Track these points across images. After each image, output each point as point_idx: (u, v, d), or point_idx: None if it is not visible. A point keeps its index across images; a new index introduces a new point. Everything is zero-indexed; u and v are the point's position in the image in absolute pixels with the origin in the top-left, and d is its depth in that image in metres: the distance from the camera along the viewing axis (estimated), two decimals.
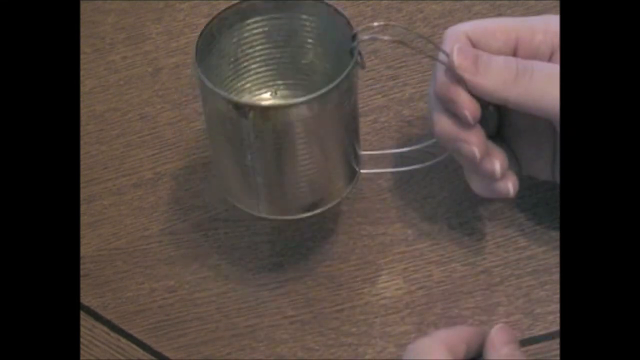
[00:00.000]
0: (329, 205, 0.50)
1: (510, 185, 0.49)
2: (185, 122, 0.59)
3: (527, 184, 0.54)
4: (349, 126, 0.49)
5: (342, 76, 0.45)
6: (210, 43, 0.48)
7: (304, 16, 0.49)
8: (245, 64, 0.51)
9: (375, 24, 0.49)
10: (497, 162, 0.48)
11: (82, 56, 0.61)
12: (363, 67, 0.48)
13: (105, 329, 0.54)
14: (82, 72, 0.60)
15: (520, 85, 0.44)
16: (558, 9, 0.55)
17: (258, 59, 0.51)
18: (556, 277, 0.53)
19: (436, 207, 0.55)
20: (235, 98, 0.47)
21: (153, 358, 0.53)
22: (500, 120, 0.50)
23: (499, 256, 0.54)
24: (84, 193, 0.57)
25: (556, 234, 0.53)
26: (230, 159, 0.49)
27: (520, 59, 0.46)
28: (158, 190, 0.57)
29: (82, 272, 0.55)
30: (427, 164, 0.52)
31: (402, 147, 0.56)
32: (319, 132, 0.47)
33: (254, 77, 0.52)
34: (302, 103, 0.45)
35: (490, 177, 0.48)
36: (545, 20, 0.47)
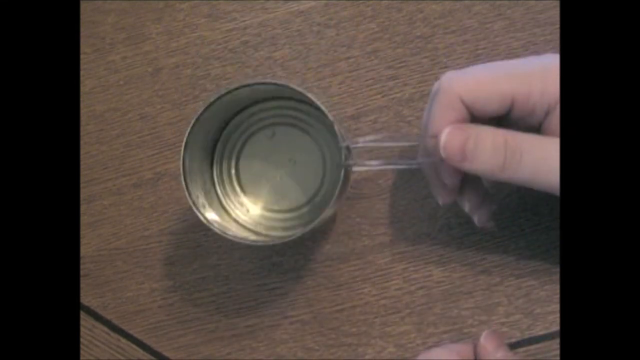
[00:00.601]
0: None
1: (475, 218, 0.50)
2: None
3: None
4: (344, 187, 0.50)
5: (332, 201, 0.46)
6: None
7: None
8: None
9: (360, 144, 0.48)
10: (467, 204, 0.50)
11: (82, 56, 0.61)
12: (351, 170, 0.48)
13: (105, 329, 0.54)
14: (82, 72, 0.60)
15: (509, 170, 0.43)
16: (558, 9, 0.55)
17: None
18: (556, 277, 0.53)
19: (436, 207, 0.55)
20: (248, 242, 0.49)
21: (153, 358, 0.53)
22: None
23: (499, 256, 0.54)
24: (84, 193, 0.57)
25: (556, 234, 0.53)
26: None
27: (510, 137, 0.44)
28: (158, 190, 0.57)
29: (82, 272, 0.55)
30: (416, 161, 0.52)
31: (395, 154, 0.56)
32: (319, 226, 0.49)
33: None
34: (301, 233, 0.46)
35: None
36: (543, 73, 0.44)
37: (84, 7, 0.62)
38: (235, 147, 0.53)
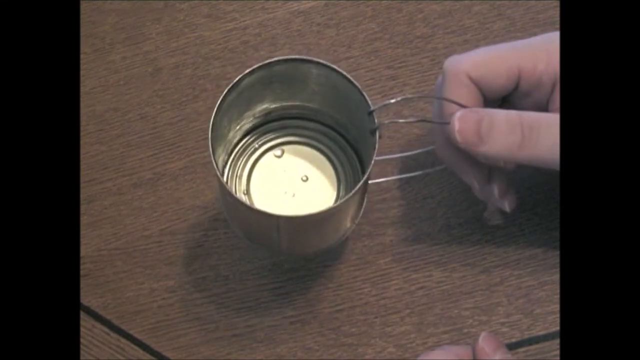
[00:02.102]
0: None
1: (506, 204, 0.49)
2: (185, 122, 0.59)
3: (527, 184, 0.54)
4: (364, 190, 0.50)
5: (362, 181, 0.46)
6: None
7: (314, 70, 0.49)
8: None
9: (392, 100, 0.48)
10: (496, 188, 0.48)
11: (82, 56, 0.61)
12: (381, 136, 0.47)
13: (105, 329, 0.54)
14: (82, 72, 0.60)
15: (527, 148, 0.42)
16: (558, 9, 0.55)
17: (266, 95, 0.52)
18: (556, 277, 0.53)
19: (436, 207, 0.55)
20: (263, 209, 0.48)
21: (153, 358, 0.53)
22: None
23: (499, 256, 0.54)
24: (84, 193, 0.57)
25: (556, 234, 0.53)
26: (253, 229, 0.51)
27: (525, 115, 0.43)
28: (158, 190, 0.57)
29: (82, 272, 0.55)
30: (429, 170, 0.52)
31: (403, 148, 0.56)
32: (341, 213, 0.48)
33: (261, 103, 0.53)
34: (325, 211, 0.46)
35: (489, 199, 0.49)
36: (547, 46, 0.45)
37: (84, 7, 0.62)
38: (245, 168, 0.53)
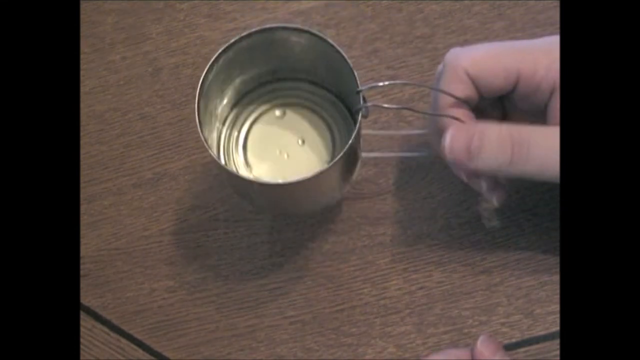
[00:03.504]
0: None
1: (494, 199, 0.49)
2: (185, 122, 0.59)
3: (527, 184, 0.54)
4: (354, 156, 0.50)
5: (346, 148, 0.46)
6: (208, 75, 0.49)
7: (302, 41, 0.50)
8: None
9: (381, 83, 0.50)
10: (484, 182, 0.48)
11: (82, 56, 0.61)
12: (366, 116, 0.48)
13: (105, 329, 0.54)
14: (82, 72, 0.60)
15: (517, 164, 0.43)
16: (558, 9, 0.55)
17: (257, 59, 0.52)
18: (556, 277, 0.53)
19: (436, 207, 0.55)
20: (239, 174, 0.50)
21: (153, 358, 0.53)
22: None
23: (499, 256, 0.54)
24: (84, 193, 0.57)
25: (556, 234, 0.53)
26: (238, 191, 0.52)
27: (515, 131, 0.44)
28: (158, 190, 0.57)
29: (82, 272, 0.55)
30: (422, 154, 0.53)
31: (402, 145, 0.56)
32: (331, 179, 0.49)
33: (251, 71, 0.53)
34: (311, 177, 0.46)
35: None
36: (549, 50, 0.45)
37: (84, 7, 0.62)
38: (247, 119, 0.53)
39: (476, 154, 0.43)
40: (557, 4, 0.56)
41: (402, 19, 0.59)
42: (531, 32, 0.56)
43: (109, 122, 0.59)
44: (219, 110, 0.52)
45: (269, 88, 0.54)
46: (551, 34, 0.55)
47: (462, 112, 0.46)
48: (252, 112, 0.53)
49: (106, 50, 0.61)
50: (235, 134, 0.53)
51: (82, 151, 0.58)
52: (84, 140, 0.59)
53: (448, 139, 0.44)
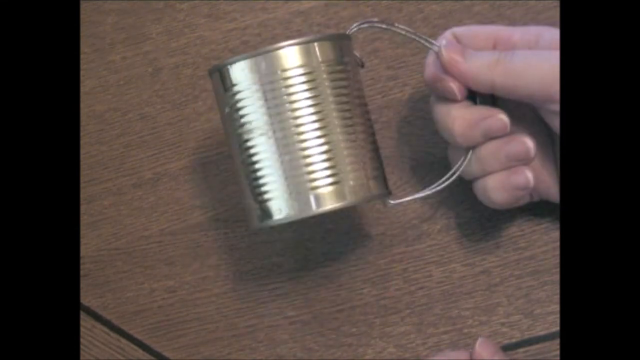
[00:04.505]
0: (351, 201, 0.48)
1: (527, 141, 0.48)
2: (185, 122, 0.59)
3: None
4: (361, 109, 0.49)
5: None
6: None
7: None
8: None
9: (365, 25, 0.51)
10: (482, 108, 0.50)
11: (82, 56, 0.61)
12: (362, 65, 0.49)
13: (105, 329, 0.54)
14: (82, 72, 0.60)
15: (502, 65, 0.47)
16: (558, 9, 0.55)
17: None
18: (556, 277, 0.53)
19: (436, 207, 0.55)
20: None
21: (153, 358, 0.53)
22: None
23: (499, 256, 0.54)
24: (84, 193, 0.57)
25: (556, 234, 0.53)
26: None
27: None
28: (158, 190, 0.57)
29: (82, 272, 0.55)
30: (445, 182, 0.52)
31: (404, 145, 0.56)
32: (330, 88, 0.48)
33: None
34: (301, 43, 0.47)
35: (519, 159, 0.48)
36: (530, 27, 0.50)
37: (84, 7, 0.62)
38: None
39: (468, 56, 0.48)
40: (557, 4, 0.56)
41: (402, 19, 0.59)
42: None
43: (109, 122, 0.59)
44: None
45: None
46: None
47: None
48: None
49: (106, 50, 0.61)
50: None
51: (82, 151, 0.58)
52: (84, 140, 0.59)
53: (444, 43, 0.48)
